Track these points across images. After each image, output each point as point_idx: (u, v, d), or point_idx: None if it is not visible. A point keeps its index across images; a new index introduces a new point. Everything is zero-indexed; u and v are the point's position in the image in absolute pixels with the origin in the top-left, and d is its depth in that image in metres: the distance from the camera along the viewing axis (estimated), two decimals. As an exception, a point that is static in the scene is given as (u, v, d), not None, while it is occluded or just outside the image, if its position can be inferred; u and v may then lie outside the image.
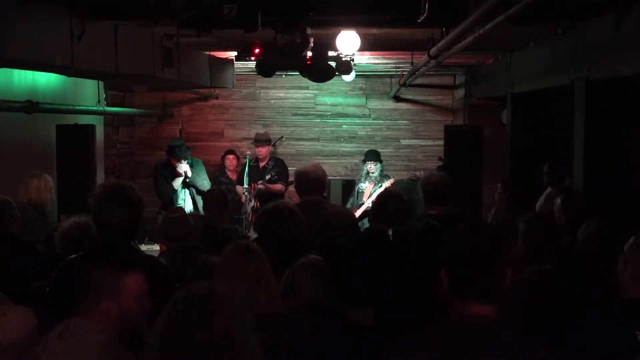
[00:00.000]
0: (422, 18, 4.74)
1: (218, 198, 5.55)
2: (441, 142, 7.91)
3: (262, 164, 8.45)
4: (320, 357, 2.78)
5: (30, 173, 5.61)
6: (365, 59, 8.01)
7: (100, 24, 5.22)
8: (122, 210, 3.08)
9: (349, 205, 8.27)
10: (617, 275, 2.68)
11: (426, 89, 9.95)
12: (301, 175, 4.74)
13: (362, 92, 10.09)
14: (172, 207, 5.82)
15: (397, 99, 10.01)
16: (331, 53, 6.26)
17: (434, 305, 3.26)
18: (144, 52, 6.04)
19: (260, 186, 8.04)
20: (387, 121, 10.09)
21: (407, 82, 8.73)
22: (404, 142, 10.08)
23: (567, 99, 5.72)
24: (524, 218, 3.62)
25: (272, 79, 8.52)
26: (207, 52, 7.67)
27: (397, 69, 8.96)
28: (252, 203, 7.94)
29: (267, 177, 8.08)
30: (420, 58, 6.73)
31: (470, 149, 6.97)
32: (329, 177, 7.22)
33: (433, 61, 6.24)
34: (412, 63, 7.27)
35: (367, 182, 8.24)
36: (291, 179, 6.79)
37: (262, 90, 10.06)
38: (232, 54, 7.90)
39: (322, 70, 6.29)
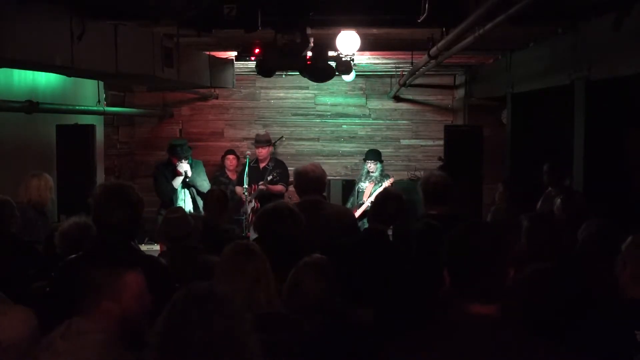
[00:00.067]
0: (422, 18, 4.74)
1: (218, 198, 5.55)
2: (441, 142, 7.90)
3: (262, 165, 8.45)
4: (322, 357, 2.78)
5: (31, 173, 5.61)
6: (365, 59, 8.02)
7: (100, 24, 5.22)
8: (122, 210, 3.08)
9: (349, 205, 8.27)
10: (616, 275, 2.68)
11: (426, 89, 9.95)
12: (301, 175, 4.74)
13: (362, 92, 10.09)
14: (172, 207, 5.83)
15: (397, 99, 10.01)
16: (331, 53, 6.26)
17: (434, 305, 3.27)
18: (144, 52, 6.04)
19: (261, 187, 8.05)
20: (387, 121, 10.09)
21: (407, 82, 8.73)
22: (404, 142, 10.08)
23: (567, 99, 5.72)
24: (527, 215, 3.62)
25: (272, 79, 8.52)
26: (207, 52, 7.67)
27: (397, 69, 8.96)
28: (253, 204, 7.95)
29: (269, 178, 8.09)
30: (420, 58, 6.73)
31: (470, 149, 6.96)
32: (329, 177, 7.22)
33: (433, 61, 6.24)
34: (412, 63, 7.27)
35: (367, 181, 8.25)
36: (291, 179, 6.79)
37: (262, 90, 10.06)
38: (232, 54, 7.90)
39: (322, 70, 6.29)
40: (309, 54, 6.00)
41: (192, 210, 7.28)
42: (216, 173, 8.96)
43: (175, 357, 1.82)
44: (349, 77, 8.21)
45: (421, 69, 7.29)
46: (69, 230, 4.05)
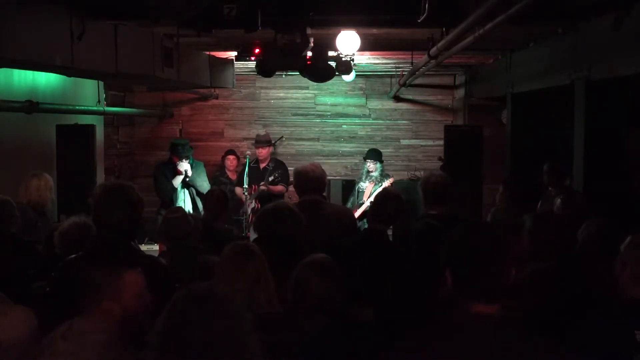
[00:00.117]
0: (422, 18, 4.74)
1: (218, 198, 5.56)
2: (441, 142, 7.90)
3: (262, 165, 8.46)
4: (323, 357, 2.78)
5: (31, 173, 5.61)
6: (365, 59, 8.01)
7: (100, 24, 5.22)
8: (122, 210, 3.08)
9: (349, 205, 8.28)
10: (616, 275, 2.68)
11: (426, 89, 9.95)
12: (300, 175, 4.74)
13: (362, 92, 10.09)
14: (172, 207, 5.83)
15: (397, 99, 10.01)
16: (331, 53, 6.26)
17: (435, 305, 3.27)
18: (144, 52, 6.04)
19: (262, 187, 8.06)
20: (387, 121, 10.09)
21: (407, 82, 8.73)
22: (404, 142, 10.08)
23: (567, 99, 5.72)
24: (530, 215, 3.61)
25: (272, 79, 8.52)
26: (207, 52, 7.67)
27: (397, 69, 8.96)
28: (253, 204, 7.96)
29: (270, 178, 8.10)
30: (420, 58, 6.73)
31: (470, 149, 6.96)
32: (329, 177, 7.22)
33: (433, 61, 6.24)
34: (412, 63, 7.27)
35: (367, 181, 8.25)
36: (291, 179, 6.79)
37: (262, 90, 10.06)
38: (232, 54, 7.90)
39: (322, 70, 6.29)
40: (309, 54, 6.00)
41: (191, 211, 7.29)
42: (216, 173, 8.97)
43: (175, 357, 1.82)
44: (349, 77, 8.21)
45: (421, 69, 7.29)
46: (69, 230, 4.05)
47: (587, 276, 3.09)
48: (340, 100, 10.10)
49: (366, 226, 4.47)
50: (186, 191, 7.84)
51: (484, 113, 9.17)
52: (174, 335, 1.83)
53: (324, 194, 5.53)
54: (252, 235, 5.08)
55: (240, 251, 2.98)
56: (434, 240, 3.96)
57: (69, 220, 4.20)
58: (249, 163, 8.09)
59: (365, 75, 9.73)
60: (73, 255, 3.36)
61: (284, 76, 9.57)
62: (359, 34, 5.79)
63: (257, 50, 6.10)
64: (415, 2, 4.78)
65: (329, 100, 10.09)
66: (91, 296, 2.42)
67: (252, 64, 7.12)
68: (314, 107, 10.12)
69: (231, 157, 8.93)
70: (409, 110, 10.10)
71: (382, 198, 4.27)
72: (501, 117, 8.49)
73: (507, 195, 6.48)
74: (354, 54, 6.41)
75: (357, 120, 10.10)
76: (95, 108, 7.79)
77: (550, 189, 5.86)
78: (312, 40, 5.79)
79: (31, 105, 6.06)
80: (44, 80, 6.96)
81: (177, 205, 7.44)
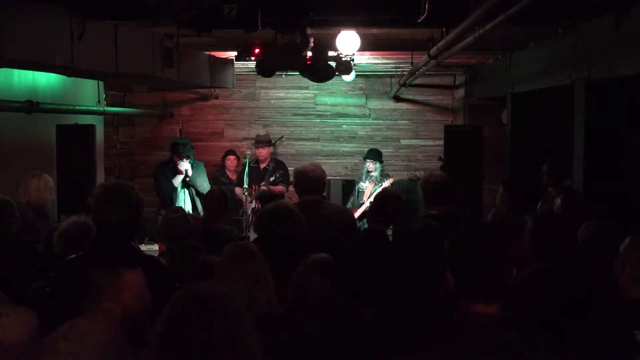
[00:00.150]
0: (422, 18, 4.74)
1: (218, 198, 5.55)
2: (441, 142, 7.90)
3: (262, 165, 8.47)
4: (323, 357, 2.78)
5: (30, 173, 5.60)
6: (365, 59, 8.01)
7: (100, 24, 5.21)
8: (122, 210, 3.08)
9: (349, 205, 8.28)
10: (615, 276, 2.68)
11: (426, 89, 9.94)
12: (300, 175, 4.74)
13: (362, 92, 10.09)
14: (172, 207, 5.83)
15: (397, 99, 10.01)
16: (331, 53, 6.25)
17: (436, 305, 3.27)
18: (144, 52, 6.04)
19: (263, 187, 8.07)
20: (387, 121, 10.09)
21: (407, 82, 8.72)
22: (404, 142, 10.08)
23: (567, 99, 5.72)
24: (531, 216, 3.61)
25: (272, 79, 8.51)
26: (207, 52, 7.67)
27: (397, 69, 8.96)
28: (254, 204, 7.97)
29: (272, 179, 8.12)
30: (420, 58, 6.73)
31: (470, 149, 6.96)
32: (329, 177, 7.23)
33: (433, 61, 6.24)
34: (412, 63, 7.27)
35: (367, 181, 8.25)
36: (291, 179, 6.80)
37: (262, 90, 10.06)
38: (232, 54, 7.90)
39: (322, 70, 6.29)
40: (309, 54, 6.00)
41: (190, 211, 7.30)
42: (216, 173, 8.97)
43: (175, 357, 1.82)
44: (349, 77, 8.21)
45: (421, 69, 7.29)
46: (68, 230, 4.04)
47: (587, 276, 3.09)
48: (340, 100, 10.10)
49: (366, 226, 4.47)
50: (186, 191, 7.86)
51: (484, 113, 9.17)
52: (174, 335, 1.83)
53: (324, 194, 5.52)
54: (252, 235, 5.08)
55: (239, 252, 2.98)
56: (434, 240, 3.96)
57: (68, 220, 4.20)
58: (249, 163, 8.10)
59: (365, 75, 9.73)
60: (73, 255, 3.36)
61: (284, 76, 9.57)
62: (359, 34, 5.79)
63: (257, 50, 6.09)
64: (415, 2, 4.78)
65: (329, 100, 10.09)
66: (91, 296, 2.42)
67: (252, 64, 7.12)
68: (314, 107, 10.12)
69: (231, 157, 8.94)
70: (409, 110, 10.10)
71: (381, 198, 4.27)
72: (501, 117, 8.48)
73: (507, 196, 6.48)
74: (354, 54, 6.41)
75: (357, 120, 10.10)
76: (95, 108, 7.79)
77: (550, 189, 5.86)
78: (312, 40, 5.79)
79: (31, 105, 6.06)
80: (44, 80, 6.96)
81: (177, 205, 7.46)
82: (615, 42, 4.75)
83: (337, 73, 6.50)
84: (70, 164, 6.48)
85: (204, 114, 10.10)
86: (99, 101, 7.98)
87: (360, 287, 3.54)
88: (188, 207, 7.54)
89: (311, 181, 4.68)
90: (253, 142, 8.88)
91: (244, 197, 7.93)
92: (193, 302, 1.86)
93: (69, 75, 6.36)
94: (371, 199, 7.40)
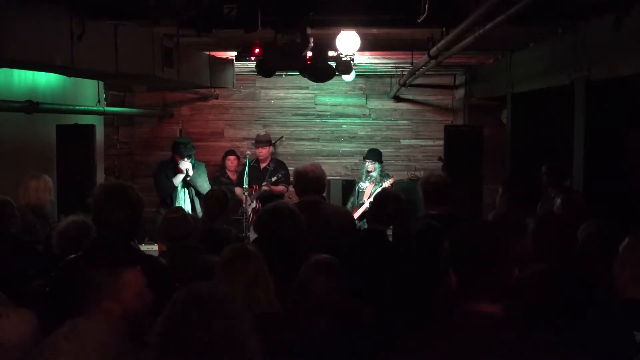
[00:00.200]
0: (422, 18, 4.74)
1: (218, 198, 5.55)
2: (441, 142, 7.90)
3: (263, 165, 8.48)
4: (324, 357, 2.78)
5: (30, 174, 5.58)
6: (365, 59, 8.01)
7: (100, 24, 5.21)
8: (122, 210, 3.08)
9: (349, 205, 8.29)
10: (615, 276, 2.68)
11: (426, 89, 9.94)
12: (300, 175, 4.74)
13: (362, 92, 10.09)
14: (172, 207, 5.83)
15: (397, 99, 10.01)
16: (331, 53, 6.25)
17: (439, 305, 3.27)
18: (144, 52, 6.04)
19: (264, 187, 8.08)
20: (387, 121, 10.09)
21: (407, 82, 8.72)
22: (404, 142, 10.08)
23: (567, 99, 5.72)
24: (534, 217, 3.61)
25: (272, 79, 8.52)
26: (207, 52, 7.67)
27: (397, 69, 8.95)
28: (254, 204, 7.98)
29: (273, 179, 8.13)
30: (420, 58, 6.73)
31: (470, 149, 6.96)
32: (329, 177, 7.23)
33: (433, 61, 6.24)
34: (412, 63, 7.27)
35: (367, 181, 8.25)
36: (291, 179, 6.80)
37: (262, 90, 10.06)
38: (232, 54, 7.90)
39: (322, 70, 6.29)
40: (309, 54, 6.00)
41: (189, 211, 7.31)
42: (216, 173, 8.98)
43: (175, 357, 1.82)
44: (349, 77, 8.21)
45: (421, 69, 7.29)
46: (67, 230, 4.04)
47: (587, 276, 3.09)
48: (340, 100, 10.09)
49: (366, 226, 4.47)
50: (186, 190, 7.90)
51: (484, 113, 9.17)
52: (174, 336, 1.83)
53: (324, 194, 5.53)
54: (252, 235, 5.08)
55: (239, 252, 2.98)
56: (434, 240, 3.96)
57: (66, 219, 4.19)
58: (249, 163, 8.11)
59: (365, 75, 9.73)
60: (73, 255, 3.36)
61: (284, 76, 9.57)
62: (359, 34, 5.78)
63: (257, 50, 6.09)
64: (415, 2, 4.78)
65: (329, 100, 10.08)
66: (91, 296, 2.42)
67: (252, 64, 7.12)
68: (314, 107, 10.12)
69: (232, 157, 8.94)
70: (409, 110, 10.10)
71: (381, 198, 4.27)
72: (501, 117, 8.48)
73: (507, 196, 6.49)
74: (354, 54, 6.41)
75: (357, 120, 10.10)
76: (95, 108, 7.79)
77: (549, 189, 5.86)
78: (312, 40, 5.79)
79: (31, 105, 6.06)
80: (44, 80, 6.95)
81: (177, 204, 7.50)
82: (615, 42, 4.75)
83: (337, 73, 6.50)
84: (70, 164, 6.48)
85: (204, 114, 10.10)
86: (99, 101, 7.98)
87: (360, 287, 3.55)
88: (187, 207, 7.56)
89: (311, 181, 4.68)
90: (253, 142, 8.89)
91: (244, 197, 7.94)
92: (193, 302, 1.86)
93: (69, 75, 6.36)
94: (371, 199, 7.40)
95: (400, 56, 7.81)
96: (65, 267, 3.25)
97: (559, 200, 4.66)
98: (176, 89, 9.44)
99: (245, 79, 9.67)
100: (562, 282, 2.96)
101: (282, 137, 9.88)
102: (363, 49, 6.16)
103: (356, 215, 7.69)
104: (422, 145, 10.04)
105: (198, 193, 7.82)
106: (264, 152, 8.53)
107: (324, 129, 10.10)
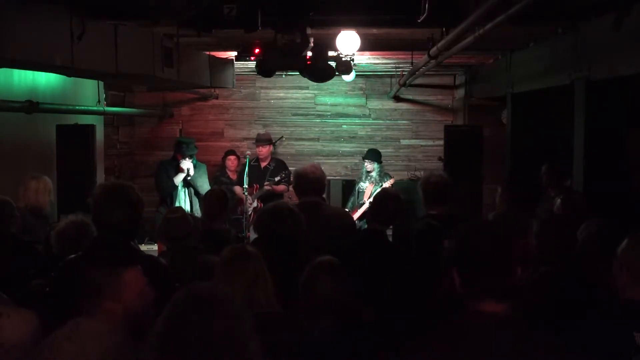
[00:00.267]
0: (422, 18, 4.74)
1: (218, 197, 5.55)
2: (441, 142, 7.91)
3: (263, 164, 8.49)
4: (324, 357, 2.78)
5: (30, 174, 5.57)
6: (365, 59, 8.01)
7: (100, 24, 5.21)
8: (122, 210, 3.08)
9: (349, 205, 8.29)
10: (614, 277, 2.68)
11: (426, 89, 9.94)
12: (300, 176, 4.74)
13: (362, 92, 10.09)
14: (172, 207, 5.83)
15: (397, 99, 10.01)
16: (331, 53, 6.25)
17: (435, 305, 3.27)
18: (144, 52, 6.04)
19: (267, 187, 8.09)
20: (387, 121, 10.09)
21: (407, 82, 8.72)
22: (404, 142, 10.08)
23: (567, 99, 5.72)
24: (538, 218, 3.61)
25: (272, 79, 8.52)
26: (207, 52, 7.67)
27: (397, 69, 8.95)
28: (255, 204, 7.99)
29: (277, 178, 8.13)
30: (420, 58, 6.73)
31: (470, 149, 6.96)
32: (329, 177, 7.23)
33: (433, 61, 6.24)
34: (412, 63, 7.27)
35: (367, 181, 8.25)
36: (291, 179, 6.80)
37: (262, 90, 10.06)
38: (232, 54, 7.90)
39: (322, 70, 6.29)
40: (309, 54, 6.00)
41: (188, 211, 7.32)
42: (217, 173, 8.98)
43: (175, 357, 1.81)
44: (349, 77, 8.21)
45: (421, 69, 7.29)
46: (65, 230, 4.03)
47: (587, 276, 3.09)
48: (340, 100, 10.09)
49: (366, 226, 4.47)
50: (186, 190, 7.91)
51: (484, 113, 9.17)
52: (174, 336, 1.82)
53: (324, 195, 5.53)
54: (252, 235, 5.08)
55: (238, 252, 2.99)
56: (434, 240, 3.97)
57: (65, 219, 4.19)
58: (249, 162, 8.11)
59: (365, 75, 9.73)
60: (73, 255, 3.36)
61: (284, 76, 9.57)
62: (359, 34, 5.79)
63: (257, 50, 6.09)
64: (415, 2, 4.78)
65: (329, 100, 10.08)
66: (93, 297, 2.42)
67: (252, 64, 7.12)
68: (314, 107, 10.12)
69: (232, 157, 8.95)
70: (409, 110, 10.10)
71: (381, 198, 4.27)
72: (501, 117, 8.48)
73: (507, 196, 6.49)
74: (354, 54, 6.41)
75: (357, 120, 10.10)
76: (95, 108, 7.79)
77: (549, 189, 5.86)
78: (312, 40, 5.79)
79: (31, 105, 6.06)
80: (44, 80, 6.95)
81: (176, 203, 7.52)
82: (615, 42, 4.75)
83: (337, 73, 6.50)
84: (70, 164, 6.47)
85: (204, 114, 10.10)
86: (99, 101, 7.98)
87: (361, 288, 3.55)
88: (186, 207, 7.57)
89: (311, 182, 4.67)
90: (253, 141, 8.89)
91: (244, 197, 7.94)
92: (193, 302, 1.86)
93: (69, 75, 6.36)
94: (371, 199, 7.40)
95: (400, 56, 7.81)
96: (65, 267, 3.25)
97: (559, 200, 4.66)
98: (176, 89, 9.44)
99: (245, 79, 9.67)
100: (562, 282, 2.96)
101: (282, 137, 9.88)
102: (363, 49, 6.16)
103: (356, 215, 7.70)
104: (422, 145, 10.04)
105: (197, 193, 7.84)
106: (264, 150, 8.53)
107: (324, 129, 10.10)
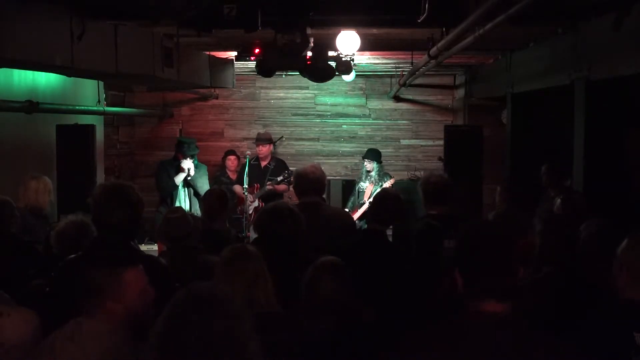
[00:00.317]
0: (422, 18, 4.74)
1: (218, 197, 5.54)
2: (441, 142, 7.91)
3: (263, 164, 8.50)
4: (324, 357, 2.78)
5: (30, 175, 5.56)
6: (365, 59, 8.01)
7: (100, 24, 5.21)
8: (122, 210, 3.08)
9: (349, 205, 8.29)
10: (614, 277, 2.68)
11: (426, 89, 9.94)
12: (300, 176, 4.74)
13: (362, 92, 10.09)
14: (172, 207, 5.83)
15: (397, 99, 10.01)
16: (331, 53, 6.25)
17: (435, 305, 3.27)
18: (144, 52, 6.04)
19: (269, 187, 8.09)
20: (387, 121, 10.09)
21: (407, 82, 8.72)
22: (404, 142, 10.08)
23: (567, 99, 5.72)
24: (540, 219, 3.61)
25: (272, 79, 8.52)
26: (207, 52, 7.67)
27: (397, 69, 8.95)
28: (256, 203, 7.99)
29: (279, 178, 8.13)
30: (420, 58, 6.73)
31: (470, 149, 6.96)
32: (329, 177, 7.23)
33: (433, 61, 6.24)
34: (412, 63, 7.27)
35: (367, 181, 8.25)
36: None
37: (262, 90, 10.06)
38: (232, 54, 7.90)
39: (322, 70, 6.29)
40: (309, 54, 6.00)
41: (188, 211, 7.33)
42: (217, 173, 8.98)
43: (175, 357, 1.81)
44: (349, 77, 8.21)
45: (421, 69, 7.29)
46: (65, 230, 4.03)
47: (587, 276, 3.09)
48: (340, 100, 10.09)
49: (366, 226, 4.47)
50: (186, 190, 7.91)
51: (484, 113, 9.17)
52: (174, 336, 1.82)
53: (324, 195, 5.53)
54: (252, 235, 5.08)
55: (238, 252, 2.99)
56: (434, 240, 3.97)
57: (65, 219, 4.19)
58: (249, 162, 8.11)
59: (365, 75, 9.73)
60: (73, 255, 3.36)
61: (284, 76, 9.57)
62: (359, 34, 5.79)
63: (257, 50, 6.09)
64: (415, 2, 4.78)
65: (329, 100, 10.09)
66: (94, 297, 2.42)
67: (252, 64, 7.12)
68: (314, 107, 10.12)
69: (232, 157, 8.95)
70: (409, 110, 10.10)
71: (381, 198, 4.28)
72: (501, 117, 8.48)
73: (507, 196, 6.48)
74: (354, 54, 6.41)
75: (357, 120, 10.10)
76: (95, 108, 7.79)
77: (549, 189, 5.86)
78: (312, 40, 5.79)
79: (31, 105, 6.06)
80: (44, 80, 6.96)
81: (177, 203, 7.52)
82: (615, 42, 4.75)
83: (337, 73, 6.50)
84: (70, 164, 6.48)
85: (204, 114, 10.10)
86: (99, 101, 7.98)
87: (361, 288, 3.55)
88: (186, 207, 7.58)
89: (311, 182, 4.67)
90: (253, 141, 8.90)
91: (244, 196, 7.95)
92: (193, 302, 1.85)
93: (69, 75, 6.36)
94: (371, 199, 7.40)
95: (400, 56, 7.81)
96: (65, 267, 3.25)
97: (559, 200, 4.66)
98: (176, 89, 9.44)
99: (245, 79, 9.67)
100: (562, 282, 2.96)
101: (282, 137, 9.88)
102: (363, 49, 6.16)
103: (356, 215, 7.70)
104: (422, 145, 10.04)
105: (197, 193, 7.84)
106: (264, 150, 8.54)
107: (324, 129, 10.11)
